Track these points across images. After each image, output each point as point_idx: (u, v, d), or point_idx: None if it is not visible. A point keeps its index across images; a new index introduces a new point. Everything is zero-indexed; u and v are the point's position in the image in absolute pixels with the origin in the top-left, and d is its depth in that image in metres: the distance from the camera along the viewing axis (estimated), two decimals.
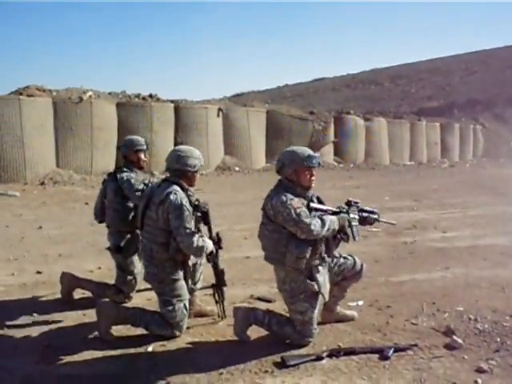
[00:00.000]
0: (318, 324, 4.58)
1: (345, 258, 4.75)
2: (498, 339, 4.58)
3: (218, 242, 4.87)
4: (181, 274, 4.71)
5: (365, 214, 4.74)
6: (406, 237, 8.99)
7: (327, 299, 4.56)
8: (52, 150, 16.69)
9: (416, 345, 4.40)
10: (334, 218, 4.42)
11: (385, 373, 3.96)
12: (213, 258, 4.85)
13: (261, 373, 3.98)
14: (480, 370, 3.98)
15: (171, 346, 4.48)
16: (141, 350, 4.39)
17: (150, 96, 20.66)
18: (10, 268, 6.92)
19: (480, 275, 6.66)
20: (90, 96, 18.07)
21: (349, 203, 4.67)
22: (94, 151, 17.38)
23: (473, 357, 4.23)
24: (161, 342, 4.51)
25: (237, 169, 21.30)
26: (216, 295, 4.95)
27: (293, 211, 4.23)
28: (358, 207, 4.71)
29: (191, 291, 4.96)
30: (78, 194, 14.63)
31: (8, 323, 4.97)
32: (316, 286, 4.38)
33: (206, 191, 14.89)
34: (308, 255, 4.29)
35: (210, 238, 4.83)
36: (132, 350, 4.37)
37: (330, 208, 4.53)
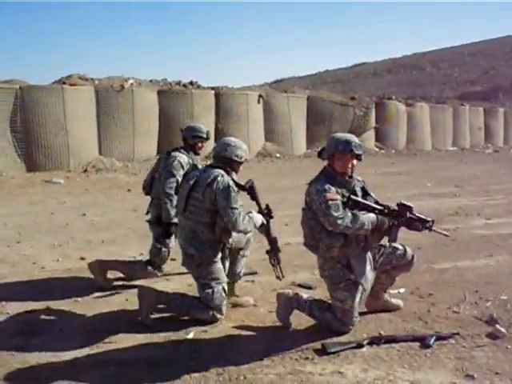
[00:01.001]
0: (362, 314, 4.59)
1: (394, 247, 4.65)
2: None
3: (268, 213, 4.96)
4: (219, 256, 4.79)
5: (413, 220, 4.42)
6: (448, 223, 8.88)
7: (368, 290, 4.53)
8: (95, 138, 16.92)
9: (458, 333, 4.36)
10: (372, 217, 4.28)
11: (426, 361, 3.94)
12: (265, 229, 4.93)
13: (301, 360, 3.99)
14: None
15: (212, 331, 4.52)
16: (182, 335, 4.44)
17: (191, 83, 20.75)
18: (54, 254, 7.06)
19: None
20: (132, 84, 18.23)
21: (399, 205, 4.41)
22: (135, 139, 17.56)
23: None
24: (202, 328, 4.56)
25: (278, 155, 21.29)
26: (272, 260, 4.99)
27: (323, 202, 4.19)
28: (410, 211, 4.40)
29: (233, 281, 5.08)
30: (120, 181, 14.82)
31: (53, 307, 5.08)
32: (353, 276, 4.37)
33: (247, 177, 14.92)
34: (339, 245, 4.26)
35: (260, 211, 4.93)
36: (174, 336, 4.42)
37: (371, 204, 4.37)
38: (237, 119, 20.31)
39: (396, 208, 4.41)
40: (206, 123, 19.01)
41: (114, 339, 4.38)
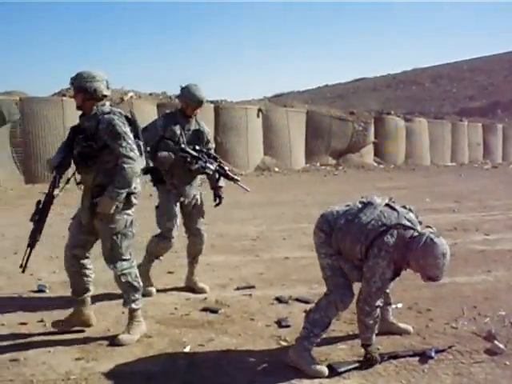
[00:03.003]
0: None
1: None
2: None
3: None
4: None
5: None
6: (446, 239, 8.73)
7: None
8: None
9: (453, 346, 4.34)
10: None
11: (424, 377, 3.91)
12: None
13: (299, 374, 3.96)
14: None
15: (209, 345, 4.49)
16: (179, 349, 4.41)
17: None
18: (52, 266, 7.03)
19: None
20: (131, 97, 18.30)
21: None
22: None
23: None
24: (199, 342, 4.54)
25: (276, 169, 21.31)
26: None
27: None
28: None
29: None
30: None
31: (49, 319, 5.04)
32: None
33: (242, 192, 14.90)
34: None
35: None
36: (170, 350, 4.40)
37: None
38: (236, 133, 20.35)
39: None
40: None
41: (110, 352, 4.35)
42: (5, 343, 4.51)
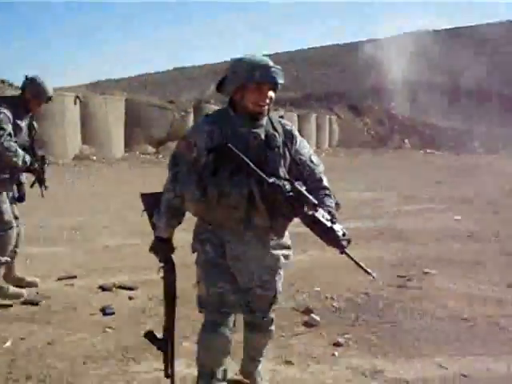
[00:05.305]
0: None
1: None
2: (353, 315, 4.89)
3: None
4: None
5: None
6: None
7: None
8: None
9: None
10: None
11: None
12: None
13: (125, 360, 3.96)
14: (337, 344, 4.23)
15: (31, 338, 4.34)
16: None
17: (2, 82, 19.69)
18: None
19: (335, 257, 6.91)
20: None
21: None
22: None
23: (330, 332, 4.47)
24: (20, 335, 4.37)
25: (95, 158, 20.84)
26: None
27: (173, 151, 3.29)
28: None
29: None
30: None
31: None
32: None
33: (63, 182, 14.48)
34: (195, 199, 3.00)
35: None
36: None
37: (250, 164, 2.88)
38: (52, 121, 19.59)
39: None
40: None
41: None
42: None
